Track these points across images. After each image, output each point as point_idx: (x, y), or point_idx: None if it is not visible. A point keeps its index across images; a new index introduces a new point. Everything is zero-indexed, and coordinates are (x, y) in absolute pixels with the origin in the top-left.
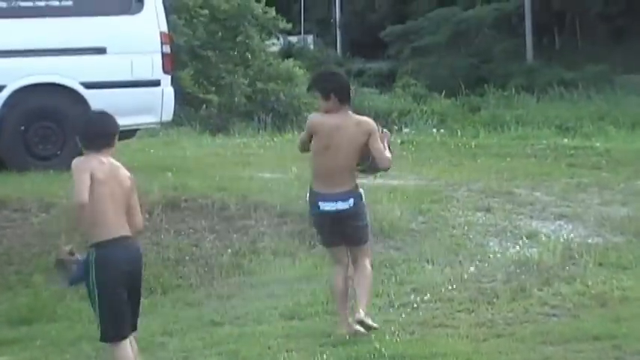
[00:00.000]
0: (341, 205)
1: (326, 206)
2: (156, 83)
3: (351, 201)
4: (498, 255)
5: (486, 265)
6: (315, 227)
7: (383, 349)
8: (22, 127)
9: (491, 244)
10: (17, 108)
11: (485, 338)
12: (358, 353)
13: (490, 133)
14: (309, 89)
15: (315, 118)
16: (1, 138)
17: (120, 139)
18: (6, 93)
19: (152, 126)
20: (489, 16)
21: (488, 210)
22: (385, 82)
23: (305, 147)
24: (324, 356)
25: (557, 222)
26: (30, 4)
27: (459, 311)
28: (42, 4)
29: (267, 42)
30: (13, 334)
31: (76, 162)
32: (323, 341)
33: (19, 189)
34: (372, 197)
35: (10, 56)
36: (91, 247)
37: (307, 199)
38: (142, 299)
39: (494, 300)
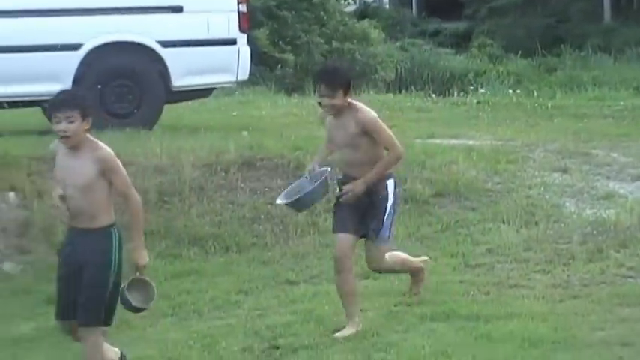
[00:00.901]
0: None
1: None
2: (232, 42)
3: None
4: (574, 216)
5: (562, 226)
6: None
7: (458, 309)
8: (99, 86)
9: (567, 204)
10: (94, 66)
11: (562, 299)
12: (433, 312)
13: (566, 93)
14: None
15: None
16: None
17: (196, 97)
18: (83, 51)
19: (228, 85)
20: None
21: (564, 171)
22: (461, 42)
23: None
24: (399, 315)
25: (635, 183)
26: None
27: (534, 272)
28: None
29: (342, 2)
30: None
31: (111, 152)
32: (397, 300)
33: None
34: (448, 157)
35: (87, 14)
36: (111, 226)
37: (396, 185)
38: None
39: (571, 261)
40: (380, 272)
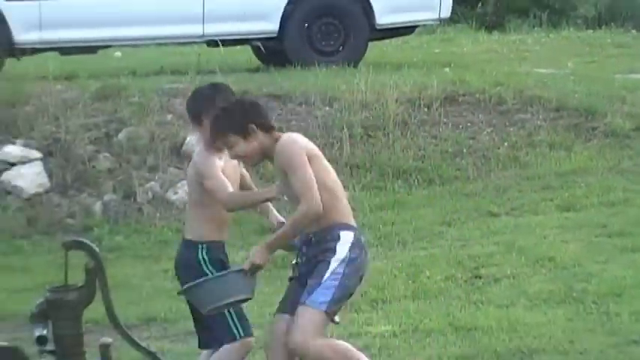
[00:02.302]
0: None
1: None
2: None
3: None
4: None
5: None
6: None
7: None
8: (306, 24)
9: None
10: (301, 5)
11: None
12: (634, 244)
13: None
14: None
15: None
16: (286, 35)
17: (399, 35)
18: None
19: (430, 23)
20: None
21: None
22: None
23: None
24: (600, 246)
25: None
26: None
27: None
28: None
29: None
30: None
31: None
32: (598, 232)
33: (303, 83)
34: None
35: None
36: None
37: (355, 242)
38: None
39: None
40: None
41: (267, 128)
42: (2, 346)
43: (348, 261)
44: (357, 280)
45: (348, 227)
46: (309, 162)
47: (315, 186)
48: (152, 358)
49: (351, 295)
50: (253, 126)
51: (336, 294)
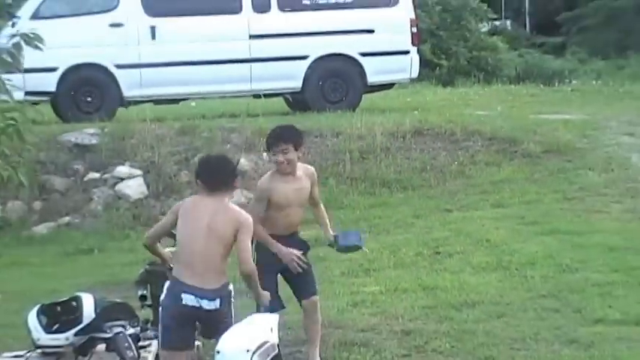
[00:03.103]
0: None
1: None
2: (407, 52)
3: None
4: (639, 165)
5: (630, 171)
6: (168, 323)
7: (560, 227)
8: (320, 82)
9: (633, 157)
10: (317, 70)
11: (630, 220)
12: (542, 229)
13: (632, 84)
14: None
15: None
16: (306, 89)
17: (383, 89)
18: (310, 60)
19: (404, 81)
20: (634, 4)
21: (631, 134)
22: (559, 50)
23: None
24: (521, 231)
25: None
26: (324, 1)
27: (611, 202)
28: (332, 1)
29: (479, 25)
30: None
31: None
32: (519, 221)
33: (318, 122)
34: (551, 126)
35: (312, 36)
36: None
37: (168, 290)
38: None
39: (636, 194)
40: None
41: (202, 184)
42: (118, 302)
43: (162, 306)
44: (171, 319)
45: (170, 279)
46: (179, 219)
47: (157, 229)
48: None
49: (174, 331)
50: (199, 180)
51: (160, 331)
